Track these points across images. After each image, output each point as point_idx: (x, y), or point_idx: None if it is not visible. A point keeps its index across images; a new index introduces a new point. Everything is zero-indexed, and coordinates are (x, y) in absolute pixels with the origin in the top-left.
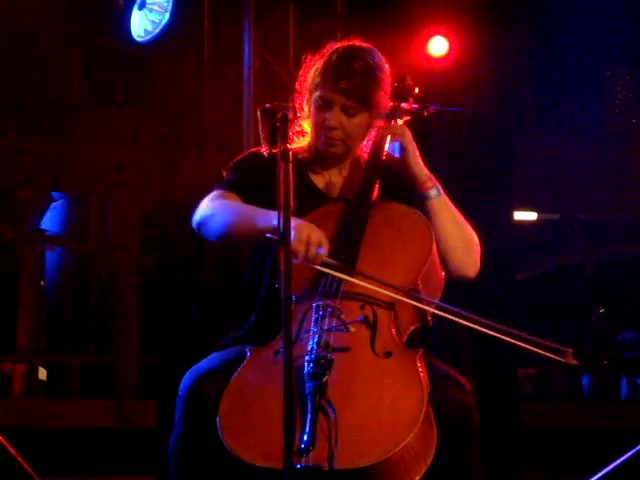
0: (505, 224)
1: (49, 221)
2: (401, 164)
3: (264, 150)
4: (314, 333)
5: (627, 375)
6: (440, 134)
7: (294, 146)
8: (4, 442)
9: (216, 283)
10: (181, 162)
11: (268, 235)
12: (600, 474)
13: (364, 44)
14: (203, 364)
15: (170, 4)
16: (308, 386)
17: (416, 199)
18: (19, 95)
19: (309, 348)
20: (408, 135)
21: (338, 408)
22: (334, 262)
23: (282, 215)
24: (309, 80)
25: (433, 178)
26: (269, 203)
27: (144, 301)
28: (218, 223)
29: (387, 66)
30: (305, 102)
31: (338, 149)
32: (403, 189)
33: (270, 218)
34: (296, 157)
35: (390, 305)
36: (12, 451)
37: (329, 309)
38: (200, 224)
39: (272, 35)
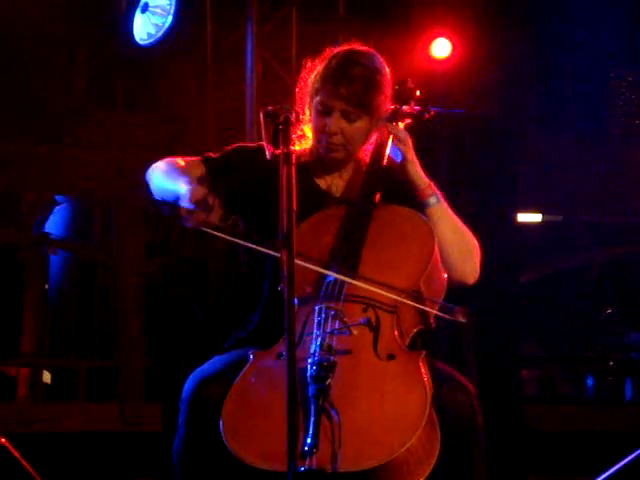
0: (509, 226)
1: (53, 225)
2: (402, 170)
3: (266, 153)
4: (317, 336)
5: (633, 378)
6: (443, 136)
7: (296, 149)
8: (9, 446)
9: (219, 286)
10: None
11: (160, 198)
12: (605, 476)
13: (364, 48)
14: (206, 367)
15: (173, 7)
16: (311, 389)
17: (416, 205)
18: (22, 98)
19: (312, 351)
20: (409, 142)
21: (341, 411)
22: (224, 225)
23: (285, 218)
24: (309, 85)
25: (432, 185)
26: (267, 202)
27: (148, 304)
28: (154, 179)
29: (387, 69)
30: (306, 107)
31: (339, 154)
32: (405, 192)
33: (179, 183)
34: (299, 160)
35: (393, 308)
36: (17, 454)
37: (332, 312)
38: (147, 176)
39: (274, 38)
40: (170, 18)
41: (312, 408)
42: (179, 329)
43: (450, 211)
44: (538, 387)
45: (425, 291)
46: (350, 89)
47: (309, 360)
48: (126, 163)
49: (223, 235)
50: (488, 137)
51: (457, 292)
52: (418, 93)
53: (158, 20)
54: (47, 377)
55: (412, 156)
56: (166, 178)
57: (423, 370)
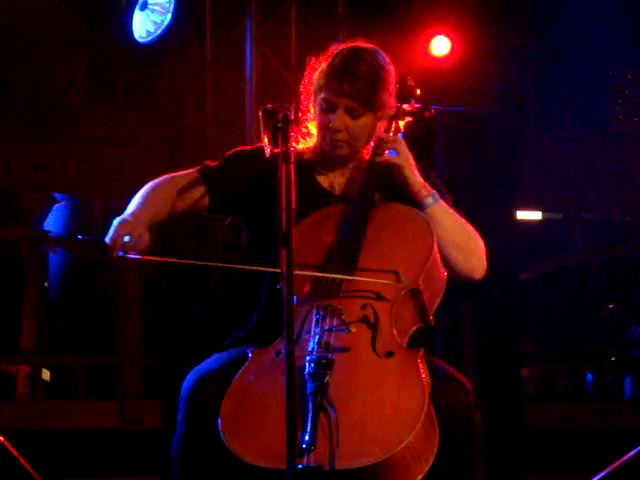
0: (508, 224)
1: (52, 222)
2: (397, 173)
3: (265, 151)
4: (315, 333)
5: (633, 374)
6: (443, 134)
7: (300, 147)
8: (7, 444)
9: (219, 284)
10: (183, 163)
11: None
12: (604, 473)
13: (368, 45)
14: (205, 365)
15: (172, 5)
16: (309, 386)
17: (415, 206)
18: (21, 96)
19: (310, 348)
20: (402, 149)
21: (339, 408)
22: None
23: (284, 216)
24: (314, 82)
25: (427, 186)
26: (268, 202)
27: (147, 302)
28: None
29: (392, 67)
30: (311, 104)
31: (343, 151)
32: (403, 190)
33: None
34: (301, 157)
35: (390, 311)
36: (15, 452)
37: (330, 309)
38: None
39: (274, 35)
40: (169, 16)
41: (310, 405)
42: (178, 327)
43: (449, 208)
44: (538, 385)
45: (425, 289)
46: (354, 86)
47: (307, 358)
48: (126, 161)
49: (152, 258)
50: (488, 135)
51: (457, 290)
52: (418, 91)
53: (157, 18)
54: (46, 375)
55: (406, 162)
56: (133, 199)
57: (421, 367)
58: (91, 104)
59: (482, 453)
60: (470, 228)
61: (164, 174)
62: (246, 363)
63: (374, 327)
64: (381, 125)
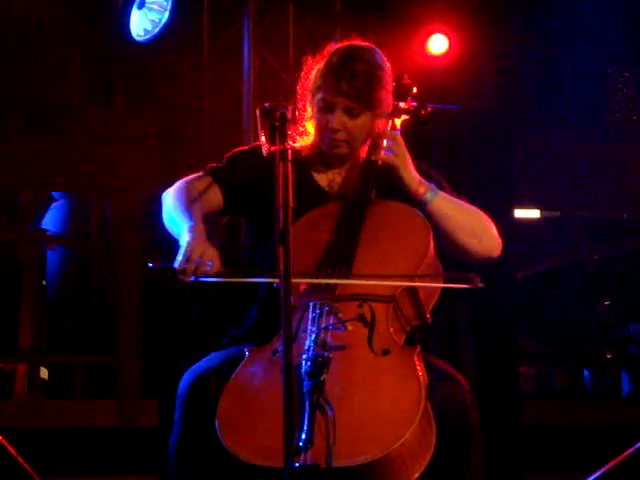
0: (506, 222)
1: (50, 221)
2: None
3: (263, 150)
4: (311, 331)
5: (630, 371)
6: (440, 132)
7: (297, 145)
8: (4, 442)
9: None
10: (181, 161)
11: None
12: (602, 471)
13: (364, 43)
14: (202, 364)
15: (169, 3)
16: (306, 384)
17: (415, 204)
18: (18, 95)
19: (306, 346)
20: (399, 148)
21: (336, 406)
22: (225, 272)
23: (282, 214)
24: (311, 82)
25: (424, 181)
26: (266, 201)
27: (145, 300)
28: (166, 208)
29: (388, 65)
30: (308, 103)
31: (342, 150)
32: (401, 188)
33: (184, 224)
34: (298, 156)
35: (390, 298)
36: (12, 451)
37: (326, 307)
38: (162, 202)
39: (272, 34)
40: (167, 14)
41: (307, 404)
42: (176, 325)
43: (450, 197)
44: (535, 383)
45: (421, 287)
46: (352, 85)
47: (303, 356)
48: (123, 159)
49: (222, 279)
50: (485, 133)
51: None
52: (415, 89)
53: (155, 16)
54: (44, 373)
55: (403, 161)
56: (174, 212)
57: (418, 365)
58: (88, 103)
59: (479, 451)
60: (475, 210)
61: (161, 172)
62: (243, 362)
63: (370, 325)
64: (379, 123)
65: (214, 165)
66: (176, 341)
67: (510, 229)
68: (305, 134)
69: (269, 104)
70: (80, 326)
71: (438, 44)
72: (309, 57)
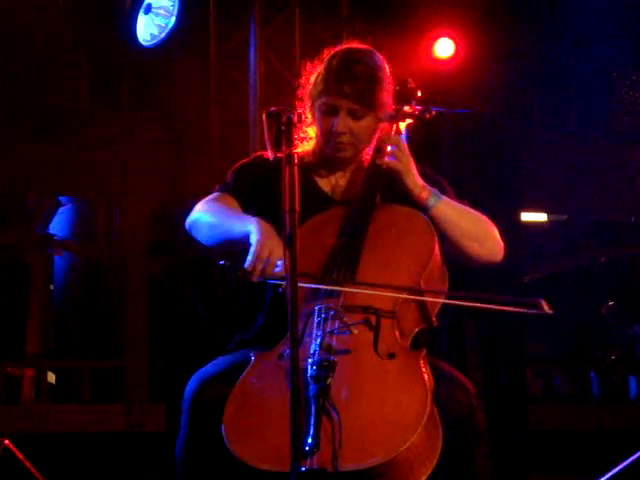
0: (513, 225)
1: (57, 225)
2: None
3: (268, 154)
4: (317, 336)
5: (637, 375)
6: (447, 136)
7: (299, 150)
8: (12, 447)
9: (223, 286)
10: (188, 166)
11: (221, 262)
12: (609, 475)
13: (362, 46)
14: (208, 368)
15: (176, 8)
16: (311, 388)
17: (418, 208)
18: (25, 100)
19: (312, 351)
20: (403, 153)
21: (341, 410)
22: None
23: (288, 218)
24: (311, 87)
25: (427, 186)
26: (271, 208)
27: (152, 305)
28: (203, 228)
29: (387, 66)
30: (308, 109)
31: (347, 153)
32: (404, 193)
33: (246, 224)
34: (301, 161)
35: (392, 314)
36: (20, 455)
37: (331, 312)
38: (190, 226)
39: (278, 38)
40: (173, 19)
41: (313, 408)
42: (184, 330)
43: (452, 202)
44: (542, 386)
45: (426, 290)
46: (354, 87)
47: (309, 360)
48: (130, 164)
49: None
50: (492, 137)
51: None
52: (419, 93)
53: (161, 21)
54: (52, 378)
55: (407, 166)
56: (221, 224)
57: (424, 368)
58: (95, 108)
59: (486, 454)
60: (478, 214)
61: (168, 176)
62: (249, 366)
63: (376, 329)
64: (381, 125)
65: (221, 184)
66: (183, 345)
67: (517, 233)
68: (306, 140)
69: (275, 108)
70: (87, 331)
71: (444, 48)
72: (308, 63)
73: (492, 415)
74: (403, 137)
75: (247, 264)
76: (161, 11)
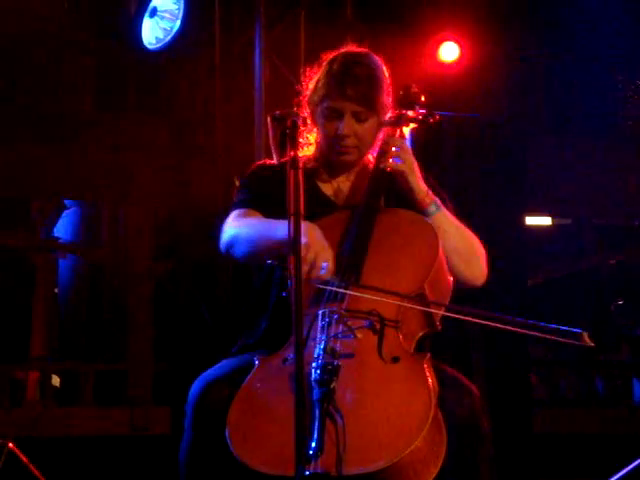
0: (518, 229)
1: (62, 229)
2: (401, 179)
3: (272, 159)
4: (320, 340)
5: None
6: (452, 140)
7: (300, 155)
8: (17, 450)
9: (228, 290)
10: (193, 169)
11: (269, 261)
12: (613, 479)
13: (359, 49)
14: (212, 371)
15: (181, 11)
16: (315, 392)
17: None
18: (30, 103)
19: (316, 355)
20: (408, 157)
21: (345, 414)
22: (336, 281)
23: (292, 221)
24: (311, 93)
25: (430, 193)
26: (280, 212)
27: (156, 308)
28: (243, 243)
29: (385, 67)
30: (308, 115)
31: (352, 156)
32: (407, 197)
33: (287, 229)
34: (304, 166)
35: (395, 323)
36: (24, 458)
37: (335, 316)
38: (228, 246)
39: (283, 42)
40: (178, 22)
41: (316, 412)
42: (188, 333)
43: (451, 216)
44: (546, 390)
45: (430, 294)
46: (357, 89)
47: (313, 364)
48: (135, 167)
49: (331, 288)
50: (497, 140)
51: (464, 296)
52: (423, 98)
53: (166, 24)
54: (56, 381)
55: (411, 169)
56: (265, 233)
57: (428, 372)
58: (101, 111)
59: (490, 458)
60: (471, 235)
61: (173, 180)
62: (253, 370)
63: (380, 333)
64: (384, 128)
65: (239, 199)
66: (187, 349)
67: (521, 236)
68: (306, 145)
69: (280, 112)
70: (92, 334)
71: (449, 52)
72: (307, 69)
73: (496, 419)
74: (407, 141)
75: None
76: (166, 14)
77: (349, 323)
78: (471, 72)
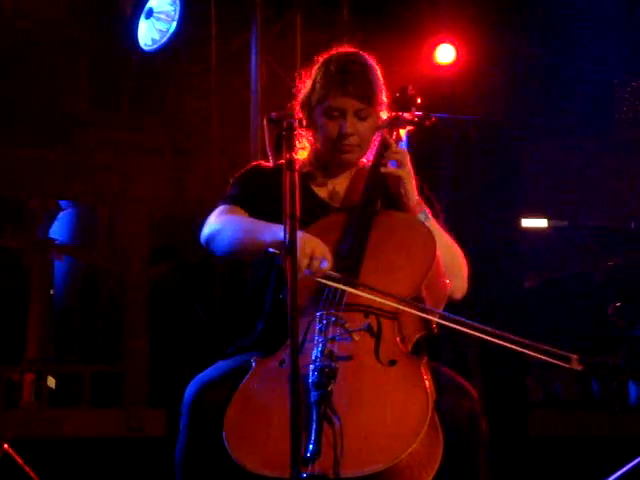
0: (514, 231)
1: (58, 230)
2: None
3: (267, 161)
4: (318, 342)
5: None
6: (448, 141)
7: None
8: (11, 452)
9: (223, 291)
10: (188, 171)
11: (271, 250)
12: None
13: (351, 49)
14: (207, 372)
15: (177, 13)
16: (313, 395)
17: None
18: (26, 104)
19: (313, 357)
20: (405, 161)
21: (343, 416)
22: (337, 275)
23: (288, 224)
24: (308, 95)
25: (422, 203)
26: (273, 214)
27: (152, 310)
28: (226, 239)
29: (377, 66)
30: (305, 118)
31: (355, 155)
32: (398, 201)
33: (276, 231)
34: (299, 169)
35: (394, 315)
36: (19, 460)
37: (332, 318)
38: (208, 240)
39: (279, 43)
40: (174, 24)
41: (314, 414)
42: (183, 335)
43: (439, 227)
44: (542, 392)
45: (427, 297)
46: (358, 87)
47: (310, 367)
48: (130, 169)
49: (333, 284)
50: (493, 142)
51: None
52: (419, 100)
53: (162, 26)
54: (52, 382)
55: (408, 174)
56: (250, 232)
57: (425, 375)
58: (97, 112)
59: (488, 459)
60: (456, 249)
61: (169, 181)
62: (250, 372)
63: (377, 335)
64: (381, 131)
65: (228, 196)
66: (183, 350)
67: (518, 239)
68: (301, 150)
69: (276, 114)
70: (87, 335)
71: (445, 54)
72: (301, 73)
73: (492, 421)
74: (403, 144)
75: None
76: (162, 16)
77: (346, 325)
78: (467, 74)
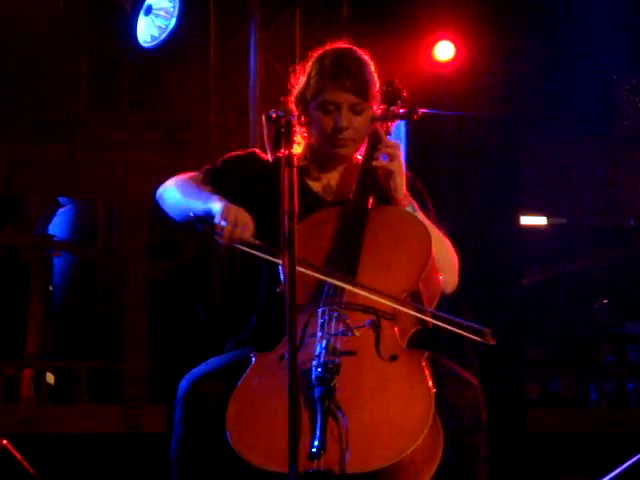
0: (512, 229)
1: (57, 227)
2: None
3: (268, 156)
4: (321, 337)
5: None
6: (446, 139)
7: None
8: (10, 447)
9: (222, 288)
10: (187, 168)
11: (192, 214)
12: (606, 479)
13: (344, 44)
14: (201, 367)
15: (176, 10)
16: (317, 390)
17: None
18: (25, 101)
19: (317, 352)
20: (397, 155)
21: (347, 412)
22: (259, 242)
23: (286, 220)
24: (302, 90)
25: (409, 197)
26: (262, 207)
27: (151, 306)
28: (170, 199)
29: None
30: (299, 113)
31: (349, 149)
32: (386, 194)
33: (209, 201)
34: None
35: (392, 316)
36: (18, 456)
37: (334, 314)
38: (158, 197)
39: (278, 41)
40: (173, 21)
41: (318, 410)
42: (182, 331)
43: (428, 221)
44: (539, 390)
45: (424, 291)
46: (353, 81)
47: (314, 362)
48: (130, 165)
49: (257, 253)
50: (492, 140)
51: (457, 295)
52: (405, 93)
53: (162, 23)
54: (51, 379)
55: (400, 167)
56: (188, 196)
57: (426, 371)
58: (95, 109)
59: (488, 451)
60: (446, 243)
61: (168, 178)
62: (250, 367)
63: (377, 330)
64: (374, 124)
65: (209, 166)
66: (182, 347)
67: (516, 236)
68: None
69: (275, 111)
70: (86, 332)
71: (444, 51)
72: (296, 68)
73: (489, 418)
74: (390, 137)
75: (215, 220)
76: (161, 12)
77: (348, 321)
78: (466, 71)
